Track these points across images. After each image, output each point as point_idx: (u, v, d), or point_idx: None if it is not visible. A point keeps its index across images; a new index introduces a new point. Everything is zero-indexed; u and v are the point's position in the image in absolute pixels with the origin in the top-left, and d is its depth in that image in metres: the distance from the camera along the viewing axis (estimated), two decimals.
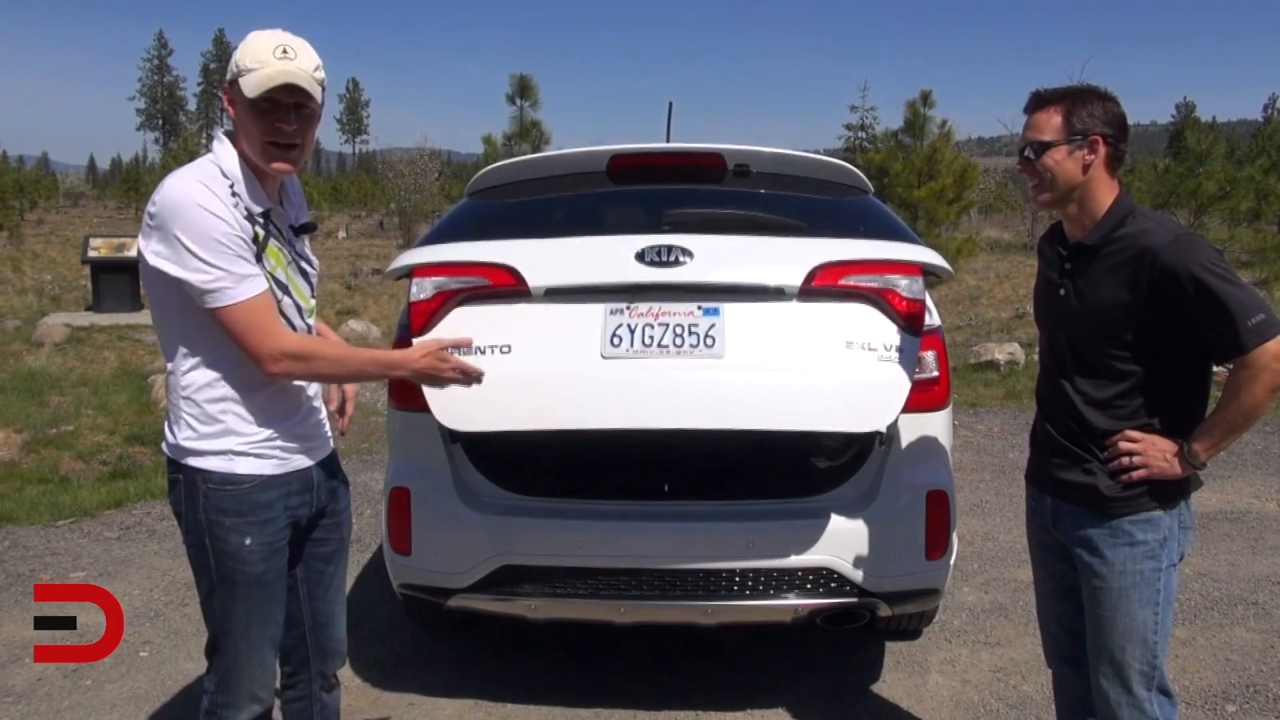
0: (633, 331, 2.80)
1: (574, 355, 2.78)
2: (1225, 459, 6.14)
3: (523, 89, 19.97)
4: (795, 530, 2.89)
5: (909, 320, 2.81)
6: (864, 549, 2.88)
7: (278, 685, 2.39)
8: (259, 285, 2.04)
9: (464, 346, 2.28)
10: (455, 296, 2.87)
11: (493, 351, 2.76)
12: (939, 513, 2.96)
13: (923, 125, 16.23)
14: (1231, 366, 2.12)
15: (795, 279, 2.82)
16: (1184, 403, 2.21)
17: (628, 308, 2.83)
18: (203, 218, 1.97)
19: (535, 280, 2.85)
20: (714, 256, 2.86)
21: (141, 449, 6.76)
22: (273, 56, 2.01)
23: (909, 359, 2.75)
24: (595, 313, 2.83)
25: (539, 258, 2.91)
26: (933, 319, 3.00)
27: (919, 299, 2.84)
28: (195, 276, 1.97)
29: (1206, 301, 2.06)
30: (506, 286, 2.86)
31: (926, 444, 3.00)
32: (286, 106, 2.04)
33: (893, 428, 2.90)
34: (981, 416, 7.81)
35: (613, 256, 2.87)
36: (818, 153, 4.31)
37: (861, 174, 3.64)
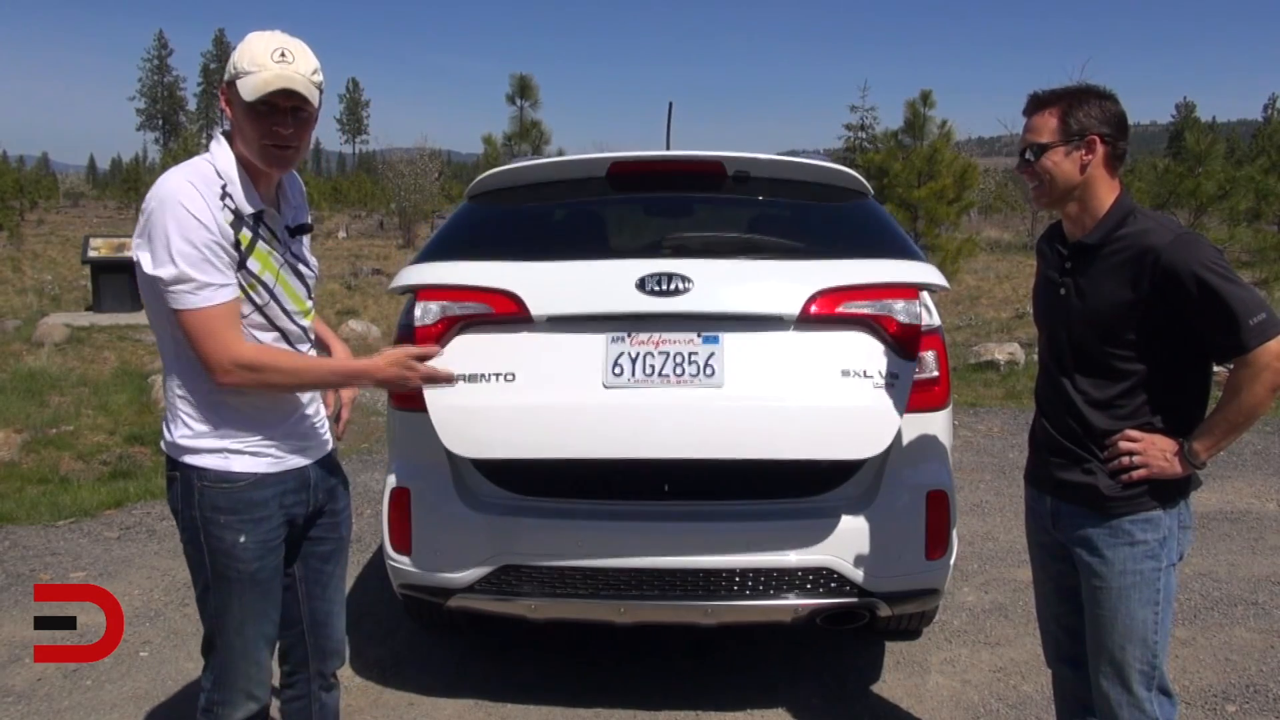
0: (634, 361, 2.84)
1: (577, 385, 2.83)
2: (1225, 459, 6.14)
3: (523, 89, 19.94)
4: (795, 530, 2.90)
5: (905, 345, 2.85)
6: (864, 549, 2.89)
7: (275, 684, 2.39)
8: (222, 295, 2.01)
9: (430, 356, 2.33)
10: (459, 322, 2.92)
11: (497, 379, 2.83)
12: (939, 513, 2.96)
13: (923, 125, 16.18)
14: (1232, 366, 2.12)
15: (793, 307, 2.85)
16: (1184, 402, 2.21)
17: (629, 336, 2.87)
18: (183, 218, 1.97)
19: (538, 309, 2.89)
20: (713, 284, 2.88)
21: (141, 449, 6.76)
22: (270, 60, 2.00)
23: (904, 384, 2.80)
24: (597, 342, 2.87)
25: (541, 284, 2.93)
26: (932, 319, 3.00)
27: (915, 322, 2.88)
28: (161, 272, 1.97)
29: (1208, 301, 2.07)
30: (510, 314, 2.90)
31: (926, 444, 3.00)
32: (284, 110, 2.04)
33: None
34: (981, 416, 7.81)
35: (614, 284, 2.90)
36: (818, 153, 4.31)
37: (860, 177, 3.63)
